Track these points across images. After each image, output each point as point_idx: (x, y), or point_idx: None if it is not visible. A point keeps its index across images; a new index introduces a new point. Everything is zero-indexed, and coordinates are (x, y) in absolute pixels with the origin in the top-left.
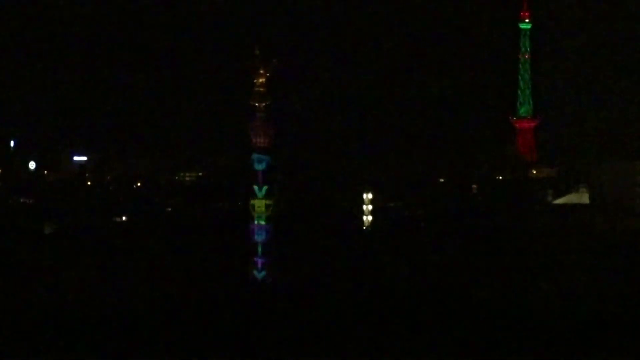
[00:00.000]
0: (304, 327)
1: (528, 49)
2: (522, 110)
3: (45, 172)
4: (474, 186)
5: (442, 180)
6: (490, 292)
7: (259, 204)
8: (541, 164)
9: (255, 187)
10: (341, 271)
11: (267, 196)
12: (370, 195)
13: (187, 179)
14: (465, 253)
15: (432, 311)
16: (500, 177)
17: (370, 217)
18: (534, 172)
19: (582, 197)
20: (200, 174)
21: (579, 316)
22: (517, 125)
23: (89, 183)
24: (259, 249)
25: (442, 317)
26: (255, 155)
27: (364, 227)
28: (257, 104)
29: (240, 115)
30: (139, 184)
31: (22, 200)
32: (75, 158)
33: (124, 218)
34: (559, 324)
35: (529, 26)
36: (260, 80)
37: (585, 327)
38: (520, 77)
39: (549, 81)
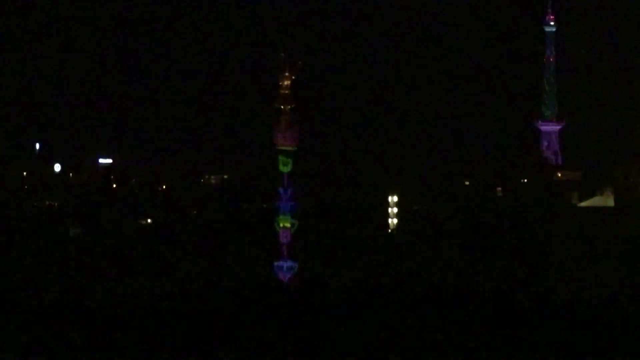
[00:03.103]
0: (329, 329)
1: (553, 52)
2: (547, 114)
3: (71, 174)
4: (499, 189)
5: (467, 183)
6: (516, 295)
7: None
8: (566, 167)
9: (281, 190)
10: (367, 273)
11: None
12: (395, 198)
13: (213, 181)
14: (490, 255)
15: (459, 313)
16: (525, 180)
17: (395, 220)
18: (559, 175)
19: (607, 200)
20: (225, 176)
21: (603, 318)
22: (542, 128)
23: (114, 186)
24: (284, 251)
25: (468, 319)
26: (280, 158)
27: (390, 230)
28: (282, 107)
29: (265, 117)
30: (164, 187)
31: (47, 202)
32: (101, 161)
33: (149, 221)
34: (583, 326)
35: (554, 29)
36: (286, 82)
37: (610, 329)
38: (545, 80)
39: (574, 84)
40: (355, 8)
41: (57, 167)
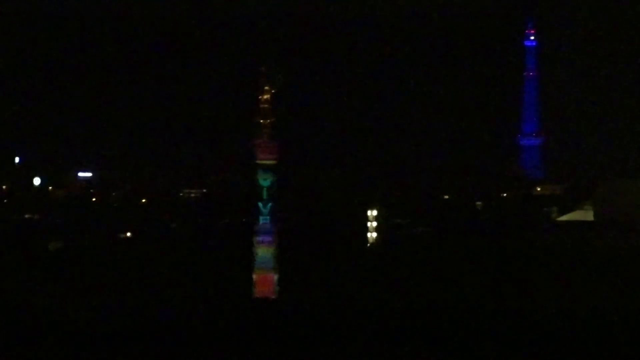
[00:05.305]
0: (309, 344)
1: (534, 67)
2: (528, 128)
3: (50, 188)
4: (479, 203)
5: (446, 197)
6: (496, 308)
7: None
8: (546, 181)
9: (260, 204)
10: (346, 287)
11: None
12: (374, 212)
13: (192, 195)
14: (470, 269)
15: (438, 327)
16: (505, 195)
17: (374, 234)
18: (539, 189)
19: (586, 215)
20: (204, 190)
21: (583, 333)
22: (522, 142)
23: (94, 199)
24: (263, 265)
25: (447, 334)
26: (260, 172)
27: (369, 244)
28: (262, 121)
29: (244, 131)
30: (144, 201)
31: (27, 216)
32: (80, 174)
33: (128, 234)
34: (563, 341)
35: (534, 44)
36: (266, 96)
37: (589, 344)
38: (525, 95)
39: (554, 99)
40: (337, 25)
41: (37, 181)
